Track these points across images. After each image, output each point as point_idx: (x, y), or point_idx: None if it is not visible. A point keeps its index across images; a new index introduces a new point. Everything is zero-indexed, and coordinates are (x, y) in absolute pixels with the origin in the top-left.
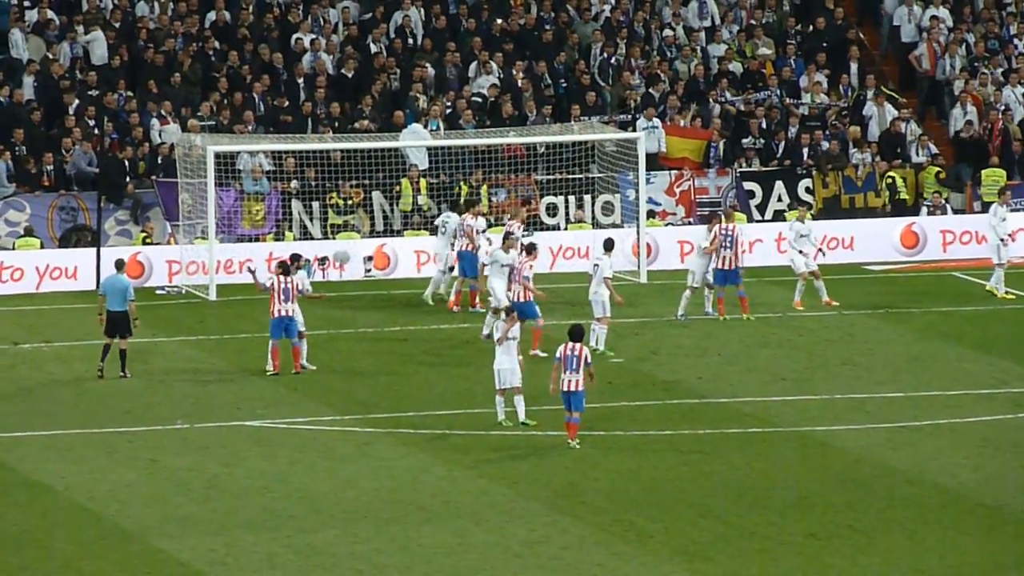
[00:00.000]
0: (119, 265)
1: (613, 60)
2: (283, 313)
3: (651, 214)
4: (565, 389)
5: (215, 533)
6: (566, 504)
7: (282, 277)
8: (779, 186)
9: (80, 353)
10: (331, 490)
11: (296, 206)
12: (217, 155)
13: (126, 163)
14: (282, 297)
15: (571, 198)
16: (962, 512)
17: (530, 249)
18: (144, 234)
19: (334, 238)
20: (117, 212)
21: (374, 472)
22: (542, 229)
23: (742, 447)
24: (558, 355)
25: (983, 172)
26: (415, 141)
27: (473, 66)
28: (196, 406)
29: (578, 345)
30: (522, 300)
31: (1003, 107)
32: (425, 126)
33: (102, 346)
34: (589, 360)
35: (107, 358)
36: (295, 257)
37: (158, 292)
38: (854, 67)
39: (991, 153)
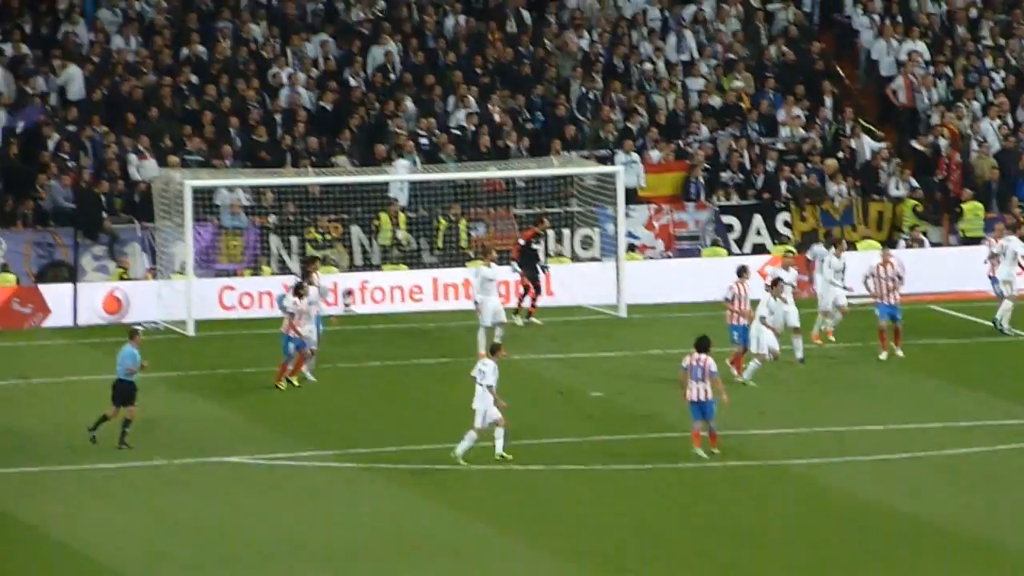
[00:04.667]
0: (131, 334)
1: (591, 94)
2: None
3: (631, 248)
4: (694, 399)
5: (195, 571)
6: (550, 541)
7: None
8: (757, 219)
9: (59, 390)
10: (312, 527)
11: (274, 241)
12: (195, 190)
13: (103, 198)
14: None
15: (550, 232)
16: (944, 545)
17: (740, 272)
18: (121, 269)
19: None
20: (94, 248)
21: (356, 509)
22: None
23: (725, 483)
24: (684, 364)
25: (964, 206)
26: (400, 175)
27: (452, 100)
28: (176, 442)
29: (703, 356)
30: (738, 323)
31: (981, 139)
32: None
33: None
34: (715, 371)
35: (103, 425)
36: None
37: (136, 328)
38: (830, 101)
39: (953, 190)
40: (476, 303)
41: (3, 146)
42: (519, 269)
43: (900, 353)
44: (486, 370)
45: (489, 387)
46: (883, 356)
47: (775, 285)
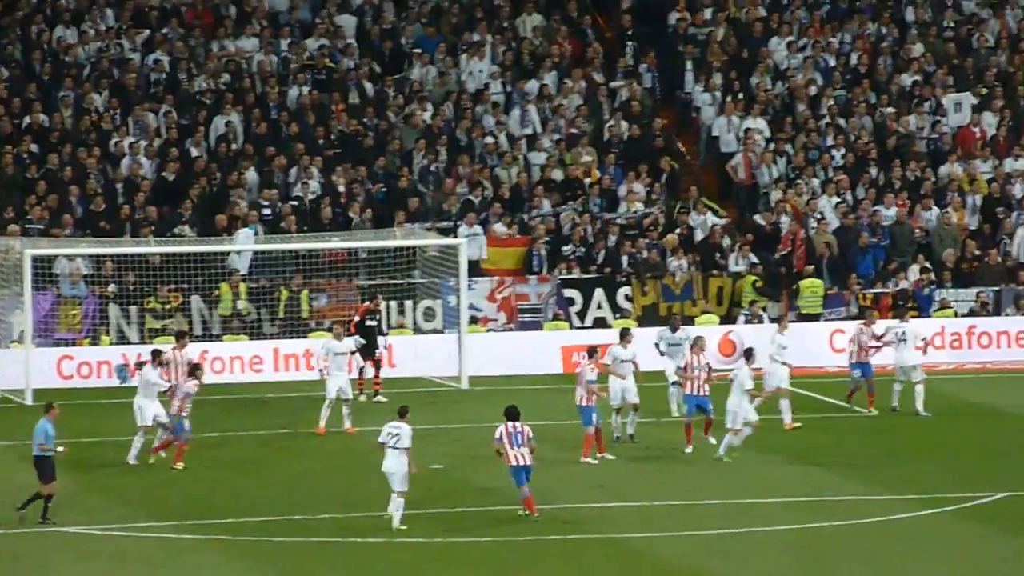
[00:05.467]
0: (47, 407)
1: (434, 167)
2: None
3: (473, 320)
4: (515, 464)
5: None
6: None
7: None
8: (599, 293)
9: None
10: None
11: (113, 310)
12: (35, 258)
13: None
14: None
15: (392, 303)
16: None
17: (591, 353)
18: None
19: (151, 342)
20: None
21: None
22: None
23: (560, 556)
24: (498, 435)
25: (801, 283)
26: (241, 245)
27: (294, 171)
28: (9, 513)
29: (519, 424)
30: (585, 404)
31: (819, 216)
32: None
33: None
34: (532, 436)
35: (30, 504)
36: (156, 352)
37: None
38: (666, 177)
39: (796, 266)
40: (321, 372)
41: None
42: (362, 342)
43: (712, 440)
44: (401, 433)
45: (406, 449)
46: (689, 450)
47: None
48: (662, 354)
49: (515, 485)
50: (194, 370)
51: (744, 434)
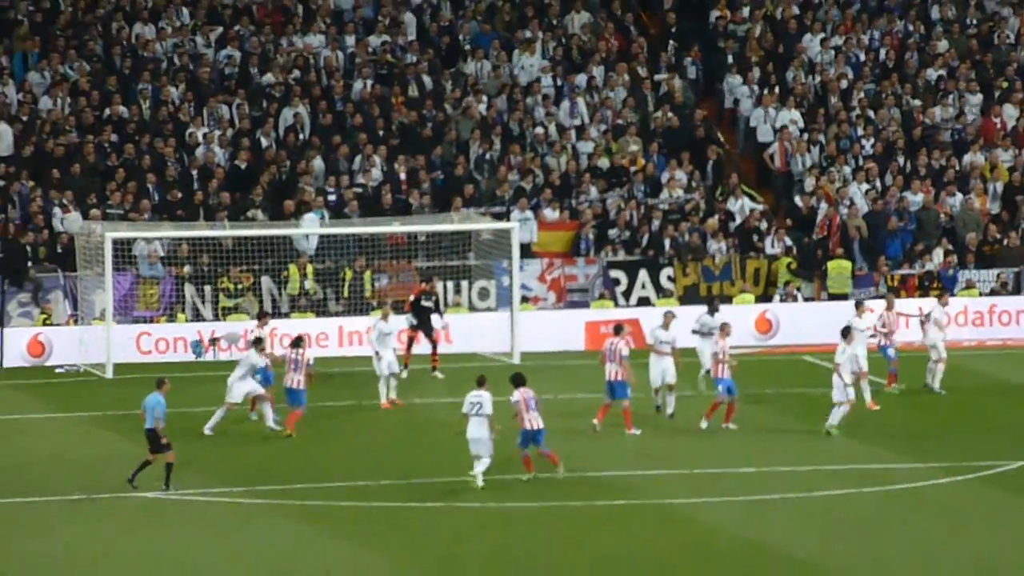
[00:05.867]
0: (159, 383)
1: (488, 156)
2: (294, 384)
3: (524, 299)
4: (530, 428)
5: None
6: (440, 572)
7: (294, 350)
8: (643, 274)
9: None
10: (217, 561)
11: (189, 289)
12: (115, 241)
13: (28, 248)
14: (292, 367)
15: (449, 283)
16: None
17: (618, 330)
18: (44, 315)
19: (224, 319)
20: (19, 294)
21: (258, 544)
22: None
23: (609, 520)
24: (515, 398)
25: (829, 264)
26: (308, 229)
27: (358, 159)
28: (93, 478)
29: (529, 390)
30: (618, 379)
31: (849, 202)
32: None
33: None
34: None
35: (142, 471)
36: (298, 339)
37: (57, 371)
38: (710, 165)
39: (832, 249)
40: (376, 354)
41: None
42: (414, 321)
43: (733, 426)
44: (483, 400)
45: (488, 416)
46: (704, 425)
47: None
48: (696, 333)
49: (520, 447)
50: (297, 342)
51: (844, 411)
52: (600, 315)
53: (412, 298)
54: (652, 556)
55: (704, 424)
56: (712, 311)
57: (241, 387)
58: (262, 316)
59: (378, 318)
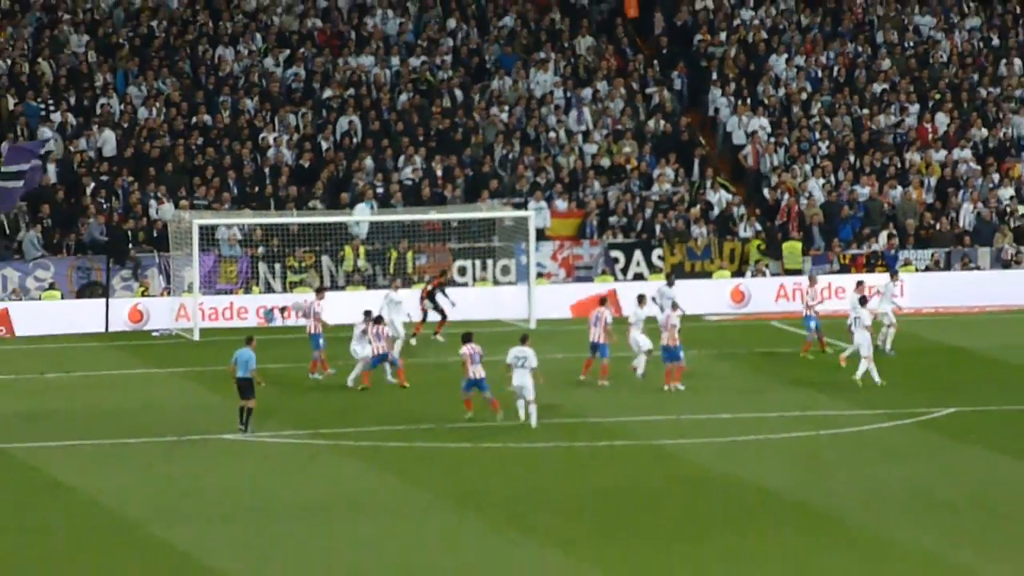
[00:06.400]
0: (248, 340)
1: (509, 156)
2: (379, 351)
3: (539, 275)
4: (474, 377)
5: (195, 523)
6: (472, 503)
7: (374, 324)
8: (638, 254)
9: (92, 381)
10: (286, 492)
11: (262, 267)
12: (201, 227)
13: (129, 233)
14: (376, 338)
15: (477, 262)
16: (777, 507)
17: (602, 301)
18: (142, 288)
19: (291, 291)
20: (122, 271)
21: (320, 477)
22: (454, 286)
23: (609, 458)
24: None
25: (784, 245)
26: (360, 216)
27: (401, 159)
28: (183, 423)
29: (474, 345)
30: (601, 341)
31: (808, 194)
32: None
33: (237, 408)
34: (483, 354)
35: (248, 418)
36: (368, 313)
37: (153, 334)
38: (695, 163)
39: (791, 232)
40: (390, 322)
41: (52, 191)
42: (430, 305)
43: (682, 387)
44: (528, 355)
45: (533, 368)
46: (666, 388)
47: None
48: (655, 302)
49: (464, 391)
50: (379, 319)
51: (867, 366)
52: (586, 290)
53: (430, 288)
54: (646, 487)
55: (666, 387)
56: (670, 283)
57: (362, 351)
58: (321, 290)
59: (391, 289)
